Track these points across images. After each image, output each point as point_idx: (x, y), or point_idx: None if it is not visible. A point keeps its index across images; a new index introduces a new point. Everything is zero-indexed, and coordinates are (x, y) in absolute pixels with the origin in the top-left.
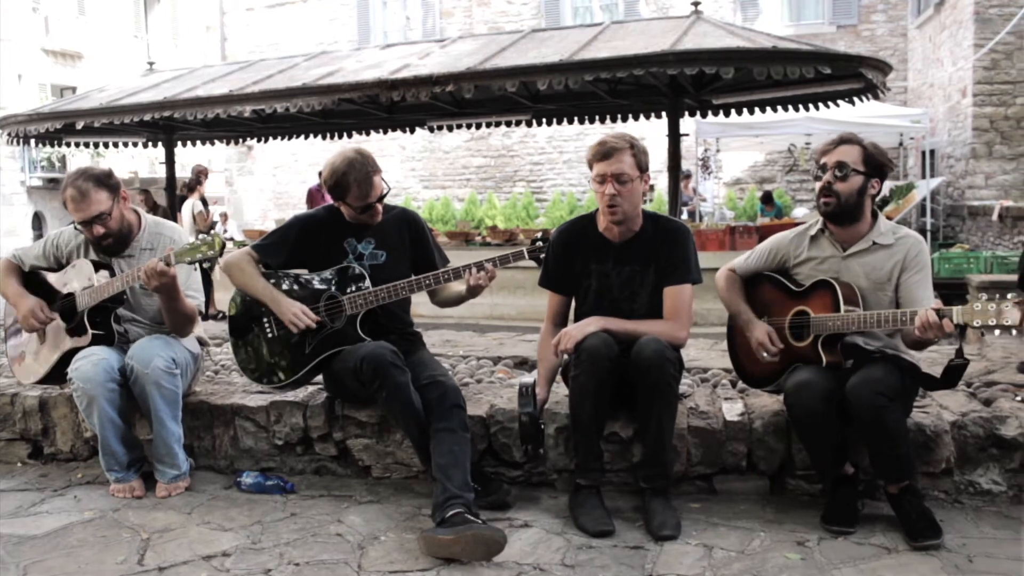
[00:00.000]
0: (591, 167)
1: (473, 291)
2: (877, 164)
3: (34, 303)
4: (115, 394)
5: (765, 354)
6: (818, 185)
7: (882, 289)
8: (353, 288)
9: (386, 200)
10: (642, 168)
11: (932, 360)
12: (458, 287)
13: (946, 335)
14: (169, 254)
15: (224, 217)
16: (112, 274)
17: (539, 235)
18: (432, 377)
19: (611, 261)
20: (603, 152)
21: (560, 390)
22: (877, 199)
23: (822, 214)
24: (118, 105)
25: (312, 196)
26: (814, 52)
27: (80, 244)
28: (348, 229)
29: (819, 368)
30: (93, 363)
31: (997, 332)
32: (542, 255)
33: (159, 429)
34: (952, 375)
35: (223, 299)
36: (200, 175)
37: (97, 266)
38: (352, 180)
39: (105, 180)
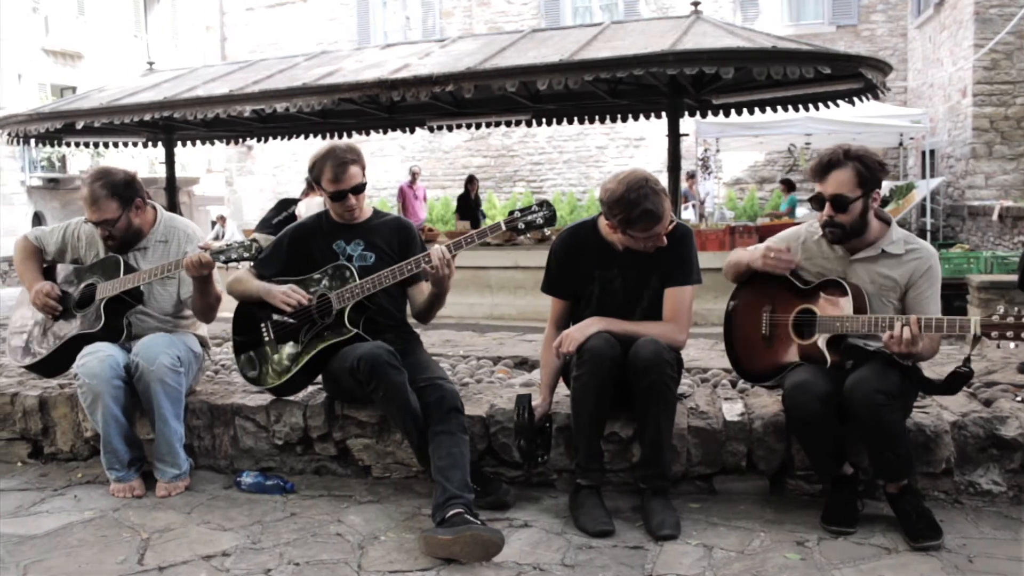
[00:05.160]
0: (623, 230)
1: (438, 281)
2: (872, 179)
3: (46, 284)
4: (120, 391)
5: (778, 255)
6: (820, 216)
7: (886, 296)
8: (341, 284)
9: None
10: None
11: (940, 362)
12: (426, 286)
13: (912, 350)
14: (208, 247)
15: (222, 220)
16: (128, 268)
17: (516, 211)
18: (430, 380)
19: (616, 267)
20: (655, 217)
21: (561, 390)
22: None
23: (830, 243)
24: (118, 105)
25: (403, 192)
26: (814, 52)
27: (98, 243)
28: (337, 232)
29: (817, 368)
30: (99, 360)
31: (1013, 345)
32: (520, 225)
33: (161, 427)
34: (955, 382)
35: (226, 300)
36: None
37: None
38: (328, 163)
39: (120, 190)
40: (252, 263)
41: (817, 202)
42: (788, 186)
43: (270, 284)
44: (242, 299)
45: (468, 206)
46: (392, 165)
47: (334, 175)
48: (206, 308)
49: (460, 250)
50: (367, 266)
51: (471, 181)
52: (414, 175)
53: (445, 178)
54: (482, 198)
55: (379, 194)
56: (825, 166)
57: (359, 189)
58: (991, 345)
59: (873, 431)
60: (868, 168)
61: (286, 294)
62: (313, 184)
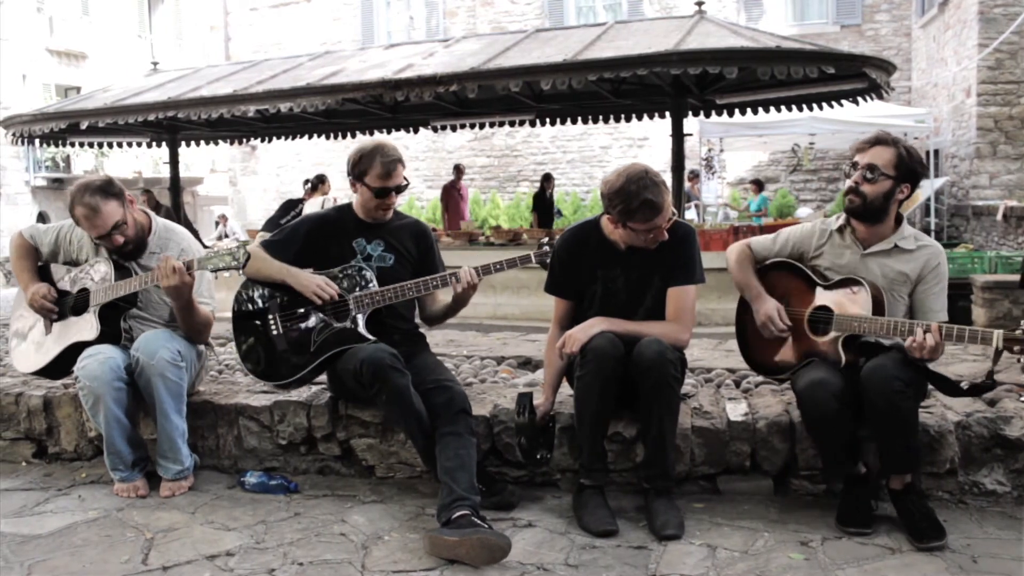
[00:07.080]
0: (623, 223)
1: (460, 299)
2: (909, 169)
3: (43, 286)
4: (121, 393)
5: (773, 328)
6: (847, 183)
7: (898, 291)
8: (359, 288)
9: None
10: None
11: (945, 362)
12: (444, 298)
13: (933, 357)
14: (192, 260)
15: (223, 219)
16: (128, 274)
17: (545, 239)
18: (438, 382)
19: (618, 267)
20: (655, 207)
21: (565, 390)
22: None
23: (846, 211)
24: (122, 105)
25: (448, 192)
26: (818, 52)
27: (89, 247)
28: (358, 229)
29: (831, 366)
30: (100, 361)
31: None
32: (548, 259)
33: (163, 422)
34: (973, 391)
35: (225, 299)
36: (323, 177)
37: (115, 266)
38: (378, 159)
39: (110, 189)
40: (261, 244)
41: (852, 167)
42: (758, 186)
43: (297, 269)
44: (257, 278)
45: (544, 204)
46: None
47: (385, 171)
48: (190, 330)
49: (488, 275)
50: (385, 267)
51: (547, 179)
52: (459, 172)
53: (449, 178)
54: (485, 199)
55: None
56: (872, 141)
57: (402, 189)
58: (1012, 360)
59: (888, 419)
60: (910, 157)
61: (320, 287)
62: (318, 184)
